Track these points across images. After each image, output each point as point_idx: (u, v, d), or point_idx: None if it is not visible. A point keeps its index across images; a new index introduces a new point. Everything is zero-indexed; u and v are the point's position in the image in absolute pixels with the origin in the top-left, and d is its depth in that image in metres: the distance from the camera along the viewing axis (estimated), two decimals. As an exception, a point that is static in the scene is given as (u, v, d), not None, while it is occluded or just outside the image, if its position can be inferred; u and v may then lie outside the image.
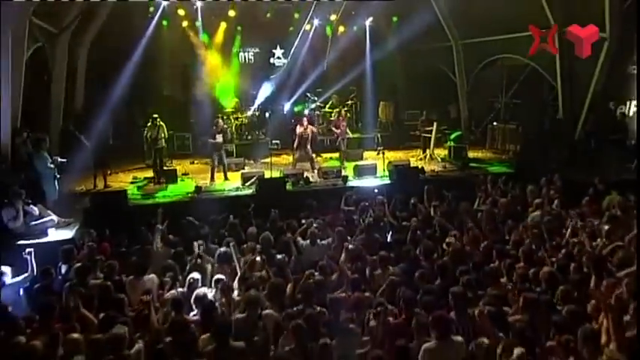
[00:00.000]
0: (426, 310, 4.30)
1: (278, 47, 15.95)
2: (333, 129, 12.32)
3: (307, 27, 14.85)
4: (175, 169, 10.83)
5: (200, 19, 13.53)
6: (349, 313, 4.52)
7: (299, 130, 10.92)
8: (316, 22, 14.56)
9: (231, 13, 13.49)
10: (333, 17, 14.48)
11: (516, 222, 7.11)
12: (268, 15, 14.11)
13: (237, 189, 9.86)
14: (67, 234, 7.19)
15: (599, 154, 10.73)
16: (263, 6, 13.74)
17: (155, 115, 11.19)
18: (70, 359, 3.93)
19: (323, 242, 6.58)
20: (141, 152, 12.64)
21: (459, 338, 3.92)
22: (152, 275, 5.64)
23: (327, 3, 13.54)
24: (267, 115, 14.43)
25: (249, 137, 13.51)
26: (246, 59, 16.05)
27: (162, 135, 11.04)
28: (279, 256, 5.80)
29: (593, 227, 6.66)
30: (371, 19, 14.58)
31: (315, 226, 6.80)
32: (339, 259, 5.85)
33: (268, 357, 4.05)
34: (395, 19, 14.84)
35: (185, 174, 11.18)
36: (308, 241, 6.54)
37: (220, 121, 11.23)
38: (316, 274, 5.32)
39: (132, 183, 10.63)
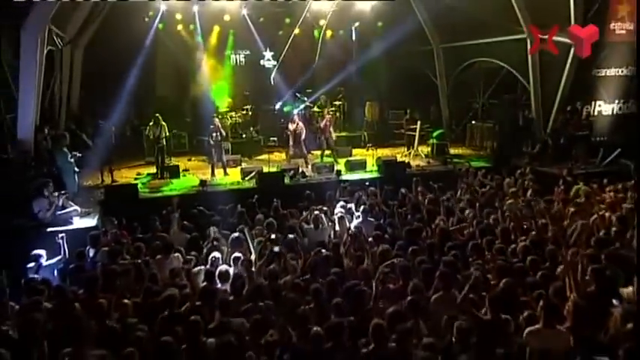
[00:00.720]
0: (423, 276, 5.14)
1: (268, 50, 16.62)
2: (319, 125, 13.05)
3: (297, 31, 15.64)
4: (178, 165, 11.47)
5: (197, 22, 14.12)
6: (356, 280, 5.31)
7: (292, 127, 11.68)
8: (305, 26, 15.36)
9: (227, 17, 14.12)
10: (322, 22, 15.26)
11: (494, 208, 8.04)
12: (261, 20, 14.78)
13: (239, 183, 10.57)
14: (89, 222, 7.79)
15: (567, 149, 11.79)
16: (257, 11, 14.41)
17: (157, 115, 11.79)
18: (124, 320, 4.60)
19: (325, 226, 7.36)
20: (140, 150, 13.22)
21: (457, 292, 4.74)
22: (177, 254, 6.35)
23: (317, 9, 14.32)
24: (259, 114, 15.15)
25: (244, 136, 14.18)
26: (237, 61, 16.71)
27: (164, 133, 11.65)
28: (290, 236, 6.54)
29: (562, 212, 7.66)
30: (357, 23, 15.41)
31: (317, 213, 7.55)
32: (343, 240, 6.64)
33: (290, 315, 4.79)
34: (380, 24, 15.69)
35: (185, 170, 11.81)
36: (312, 226, 7.31)
37: (217, 119, 11.88)
38: (323, 251, 6.10)
39: (136, 179, 11.20)
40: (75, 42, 12.57)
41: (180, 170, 11.50)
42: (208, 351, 4.06)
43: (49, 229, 7.12)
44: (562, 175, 9.85)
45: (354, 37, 15.72)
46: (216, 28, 15.07)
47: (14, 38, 7.35)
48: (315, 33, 16.25)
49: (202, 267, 5.95)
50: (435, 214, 7.74)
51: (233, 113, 14.69)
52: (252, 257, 6.20)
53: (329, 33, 16.11)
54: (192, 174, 11.54)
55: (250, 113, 14.98)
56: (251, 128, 14.38)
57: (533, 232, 6.59)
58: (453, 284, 4.96)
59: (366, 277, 5.32)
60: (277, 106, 15.60)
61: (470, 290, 4.66)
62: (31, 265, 6.24)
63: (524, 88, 13.31)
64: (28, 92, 7.61)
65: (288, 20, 15.18)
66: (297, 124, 11.68)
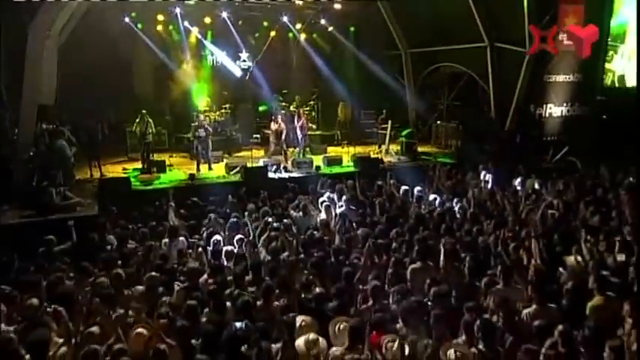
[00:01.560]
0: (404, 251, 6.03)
1: (244, 51, 17.22)
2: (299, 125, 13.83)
3: (272, 33, 16.35)
4: (164, 160, 11.94)
5: (177, 23, 14.56)
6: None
7: (274, 126, 12.39)
8: (282, 29, 16.09)
9: (207, 20, 14.66)
10: (298, 26, 16.02)
11: (460, 197, 9.06)
12: (240, 22, 15.38)
13: (224, 177, 11.20)
14: (91, 211, 8.26)
15: (522, 147, 13.05)
16: (236, 14, 15.01)
17: (144, 111, 12.22)
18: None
19: (312, 213, 8.15)
20: (121, 147, 13.57)
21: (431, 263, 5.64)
22: (182, 238, 6.98)
23: (294, 13, 15.08)
24: (237, 113, 15.74)
25: (223, 133, 14.74)
26: (215, 62, 17.22)
27: (150, 129, 12.10)
28: (285, 220, 7.29)
29: (518, 200, 8.77)
30: (331, 28, 16.27)
31: (305, 202, 8.33)
32: (330, 225, 7.45)
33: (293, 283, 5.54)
34: (352, 28, 16.61)
35: (170, 165, 12.29)
36: (300, 213, 8.08)
37: (202, 116, 12.45)
38: (315, 232, 6.90)
39: (123, 173, 11.60)
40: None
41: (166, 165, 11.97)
42: (229, 311, 4.77)
43: (56, 217, 7.55)
44: (518, 171, 11.05)
45: (327, 41, 16.55)
46: (195, 29, 15.51)
47: (16, 37, 7.68)
48: (290, 35, 16.99)
49: (208, 248, 6.62)
50: (409, 203, 8.71)
51: (211, 112, 15.19)
52: (250, 239, 6.92)
53: (303, 36, 16.86)
54: (177, 169, 12.04)
55: (229, 112, 15.52)
56: (229, 127, 14.94)
57: (496, 215, 7.63)
58: (428, 257, 5.86)
59: (355, 252, 6.16)
60: (254, 106, 16.27)
61: (444, 260, 5.59)
62: (43, 249, 6.74)
63: (484, 92, 14.51)
64: (32, 90, 7.98)
65: (265, 24, 15.84)
66: (280, 124, 12.39)
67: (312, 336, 4.04)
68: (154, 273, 5.43)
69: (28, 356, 3.85)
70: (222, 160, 12.81)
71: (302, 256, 6.16)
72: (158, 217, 8.19)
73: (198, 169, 11.71)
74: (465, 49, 14.28)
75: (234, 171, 11.29)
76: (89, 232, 7.25)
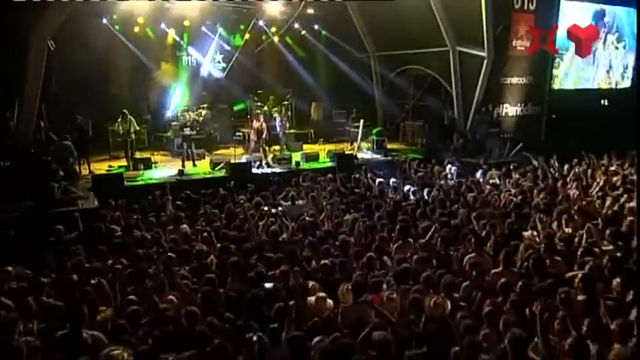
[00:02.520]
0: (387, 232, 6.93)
1: (218, 52, 17.76)
2: (277, 124, 14.57)
3: (247, 36, 17.01)
4: (150, 158, 12.42)
5: (157, 25, 14.97)
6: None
7: (256, 124, 13.08)
8: (257, 32, 16.78)
9: (186, 22, 15.15)
10: (273, 29, 16.74)
11: (430, 188, 10.09)
12: (218, 25, 15.94)
13: (210, 172, 11.80)
14: (92, 204, 8.73)
15: (483, 143, 14.30)
16: (214, 18, 15.57)
17: (124, 111, 12.63)
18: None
19: (300, 202, 8.94)
20: (100, 145, 13.86)
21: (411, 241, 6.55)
22: (185, 225, 7.61)
23: (269, 17, 15.79)
24: (213, 113, 16.27)
25: (203, 132, 15.25)
26: (189, 63, 17.66)
27: (133, 128, 12.53)
28: (280, 208, 8.05)
29: (481, 188, 9.89)
30: (304, 32, 17.09)
31: (292, 193, 9.12)
32: (317, 212, 8.28)
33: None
34: (324, 32, 17.48)
35: (154, 163, 12.74)
36: (289, 202, 8.85)
37: (187, 115, 12.97)
38: (307, 218, 7.70)
39: (108, 171, 11.99)
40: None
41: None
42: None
43: (56, 210, 8.02)
44: (479, 164, 12.25)
45: (300, 44, 17.35)
46: (172, 31, 15.93)
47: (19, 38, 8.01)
48: (264, 38, 17.67)
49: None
50: (385, 192, 9.66)
51: (190, 112, 15.64)
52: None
53: (276, 39, 17.59)
54: (164, 165, 12.53)
55: (206, 112, 16.02)
56: (208, 126, 15.46)
57: (463, 200, 8.68)
58: (409, 236, 6.78)
59: (344, 234, 7.01)
60: (230, 105, 16.87)
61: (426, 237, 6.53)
62: (53, 238, 7.23)
63: (447, 93, 15.70)
64: (33, 89, 8.35)
65: (242, 27, 16.47)
66: (262, 122, 13.09)
67: (321, 294, 4.86)
68: (169, 253, 6.08)
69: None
70: (205, 158, 13.37)
71: (299, 237, 6.94)
72: (156, 209, 8.76)
73: (183, 166, 12.24)
74: (430, 52, 15.42)
75: (219, 167, 11.92)
76: (93, 222, 7.78)
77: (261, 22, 16.10)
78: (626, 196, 8.39)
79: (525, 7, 14.85)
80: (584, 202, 8.02)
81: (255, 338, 3.63)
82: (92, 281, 5.07)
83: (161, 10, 14.75)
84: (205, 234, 7.16)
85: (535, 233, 6.81)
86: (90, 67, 14.26)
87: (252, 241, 6.78)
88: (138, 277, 5.32)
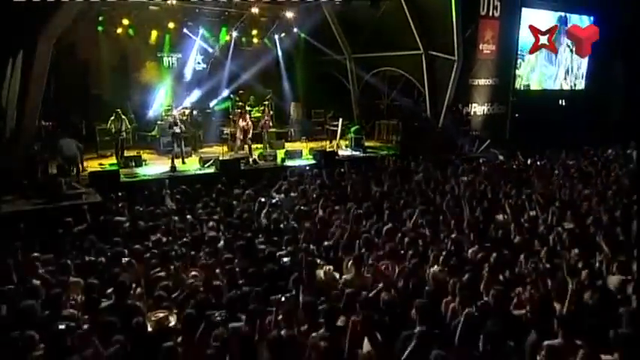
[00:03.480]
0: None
1: (198, 54, 18.19)
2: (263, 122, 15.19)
3: (228, 38, 17.54)
4: (141, 155, 12.80)
5: (141, 26, 15.30)
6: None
7: (242, 123, 13.66)
8: (235, 34, 17.34)
9: (171, 25, 15.55)
10: (254, 32, 17.33)
11: (409, 181, 10.97)
12: (201, 28, 16.41)
13: (201, 169, 12.33)
14: (95, 198, 9.15)
15: (454, 140, 15.35)
16: (198, 20, 16.04)
17: (118, 110, 12.98)
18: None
19: (292, 194, 9.63)
20: (92, 144, 14.11)
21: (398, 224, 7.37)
22: (189, 216, 8.18)
23: (251, 20, 16.39)
24: (196, 112, 16.71)
25: (187, 131, 15.65)
26: (170, 63, 18.02)
27: (125, 127, 12.89)
28: (277, 198, 8.73)
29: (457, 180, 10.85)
30: (283, 34, 17.76)
31: (286, 186, 9.81)
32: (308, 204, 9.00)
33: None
34: (302, 35, 18.19)
35: (144, 160, 13.12)
36: (282, 195, 9.53)
37: (176, 114, 13.43)
38: (302, 207, 8.41)
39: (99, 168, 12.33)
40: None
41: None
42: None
43: (63, 204, 8.46)
44: (451, 159, 13.25)
45: (279, 46, 18.02)
46: (154, 33, 16.27)
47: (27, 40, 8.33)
48: (243, 40, 18.21)
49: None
50: (370, 185, 10.48)
51: (174, 111, 16.02)
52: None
53: (255, 40, 18.17)
54: (153, 163, 12.95)
55: (189, 111, 16.44)
56: (192, 126, 15.89)
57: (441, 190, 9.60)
58: (397, 220, 7.61)
59: (337, 221, 7.77)
60: (212, 105, 17.34)
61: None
62: (62, 230, 7.68)
63: (420, 93, 16.71)
64: (38, 92, 8.70)
65: (224, 29, 16.99)
66: (248, 121, 13.69)
67: (327, 268, 5.60)
68: (185, 239, 6.68)
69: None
70: (191, 155, 13.85)
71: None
72: (155, 202, 9.27)
73: (173, 163, 12.68)
74: (403, 55, 16.39)
75: (209, 164, 12.45)
76: (99, 215, 8.25)
77: (242, 25, 16.63)
78: (581, 184, 9.52)
79: (490, 13, 16.06)
80: (546, 190, 9.05)
81: (283, 299, 4.31)
82: (123, 261, 5.62)
83: (145, 12, 15.09)
84: (212, 222, 7.77)
85: (505, 216, 7.75)
86: (72, 67, 14.50)
87: (254, 228, 7.44)
88: (162, 259, 5.92)
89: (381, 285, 4.97)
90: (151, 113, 16.27)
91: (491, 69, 16.64)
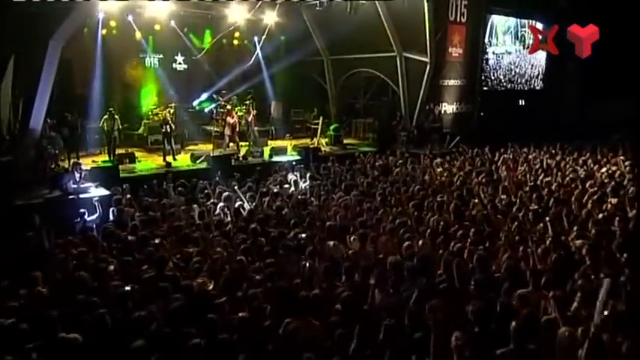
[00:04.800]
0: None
1: (179, 54, 18.66)
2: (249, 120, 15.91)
3: (211, 39, 18.14)
4: (133, 153, 13.30)
5: (126, 27, 15.71)
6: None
7: (230, 120, 14.36)
8: (218, 36, 17.95)
9: (157, 27, 16.02)
10: (237, 34, 17.99)
11: (386, 175, 11.97)
12: (185, 29, 16.95)
13: (194, 164, 12.95)
14: (103, 192, 9.68)
15: (427, 137, 16.49)
16: (181, 23, 16.57)
17: (111, 109, 13.41)
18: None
19: (286, 186, 10.45)
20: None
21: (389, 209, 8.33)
22: (195, 205, 8.88)
23: (232, 22, 17.02)
24: (180, 111, 17.24)
25: (171, 129, 16.17)
26: (152, 63, 18.43)
27: (117, 126, 13.34)
28: (277, 189, 9.53)
29: (431, 173, 11.93)
30: (264, 37, 18.47)
31: (280, 178, 10.62)
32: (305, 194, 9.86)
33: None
34: (282, 37, 18.98)
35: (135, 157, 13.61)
36: (278, 186, 10.34)
37: (167, 113, 13.97)
38: (300, 197, 9.26)
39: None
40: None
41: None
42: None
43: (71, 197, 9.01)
44: (425, 154, 14.37)
45: (260, 47, 18.75)
46: (138, 34, 16.67)
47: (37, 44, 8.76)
48: (224, 42, 18.82)
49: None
50: (355, 177, 11.43)
51: (159, 110, 16.50)
52: (246, 205, 9.07)
53: (236, 42, 18.82)
54: (145, 160, 13.46)
55: (173, 110, 16.94)
56: (177, 124, 16.40)
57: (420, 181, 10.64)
58: (386, 206, 8.56)
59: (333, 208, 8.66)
60: (195, 104, 17.93)
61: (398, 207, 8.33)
62: (78, 220, 8.24)
63: (395, 93, 17.80)
64: (45, 91, 9.15)
65: (208, 31, 17.59)
66: (235, 119, 14.39)
67: (333, 243, 6.48)
68: (199, 223, 7.41)
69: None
70: (180, 152, 14.42)
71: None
72: (159, 195, 9.89)
73: (164, 160, 13.26)
74: (379, 57, 17.44)
75: (200, 160, 13.10)
76: (109, 206, 8.84)
77: (226, 27, 17.28)
78: (543, 174, 10.79)
79: (458, 19, 17.32)
80: (514, 178, 10.24)
81: (307, 264, 5.16)
82: (155, 242, 6.32)
83: (131, 13, 15.51)
84: (218, 210, 8.50)
85: (479, 201, 8.83)
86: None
87: (260, 214, 8.24)
88: (183, 241, 6.65)
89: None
90: (136, 112, 16.73)
91: (459, 70, 17.93)
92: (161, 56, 18.35)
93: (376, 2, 15.64)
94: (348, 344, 4.01)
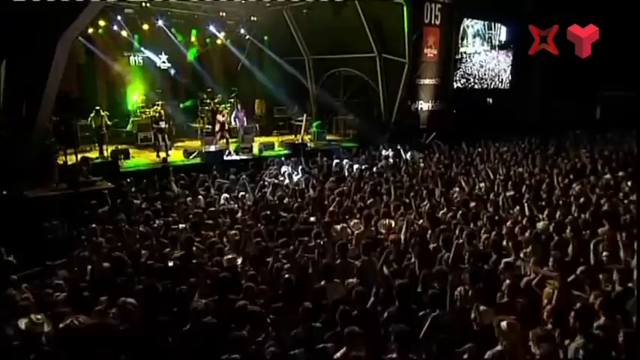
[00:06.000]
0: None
1: (163, 53, 18.98)
2: (237, 119, 16.49)
3: (193, 39, 18.58)
4: (128, 149, 13.68)
5: (113, 26, 16.00)
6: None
7: (221, 118, 14.91)
8: (207, 36, 18.43)
9: (145, 26, 16.36)
10: (222, 34, 18.48)
11: (371, 168, 12.83)
12: (173, 30, 17.34)
13: (188, 159, 13.46)
14: (109, 185, 10.13)
15: (405, 132, 17.46)
16: (169, 22, 16.95)
17: (98, 107, 13.73)
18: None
19: (281, 178, 11.15)
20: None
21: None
22: (200, 197, 9.48)
23: (219, 23, 17.55)
24: (167, 109, 17.60)
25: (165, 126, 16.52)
26: (136, 62, 18.69)
27: (105, 123, 13.67)
28: (276, 181, 10.23)
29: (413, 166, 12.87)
30: (247, 36, 19.06)
31: (276, 171, 11.31)
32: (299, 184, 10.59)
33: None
34: (266, 37, 19.58)
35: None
36: (273, 179, 11.03)
37: (162, 111, 14.40)
38: (296, 187, 9.99)
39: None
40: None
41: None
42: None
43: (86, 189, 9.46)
44: (405, 148, 15.34)
45: (245, 47, 19.32)
46: (124, 33, 16.95)
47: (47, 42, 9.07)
48: (208, 41, 19.28)
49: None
50: (343, 170, 12.25)
51: (147, 108, 16.86)
52: (248, 195, 9.73)
53: (219, 42, 19.30)
54: (138, 156, 13.86)
55: (161, 108, 17.30)
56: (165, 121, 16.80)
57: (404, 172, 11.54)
58: (377, 194, 9.41)
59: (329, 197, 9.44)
60: (179, 102, 18.35)
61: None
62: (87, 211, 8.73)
63: (374, 91, 18.70)
64: (52, 90, 9.50)
65: (194, 31, 18.03)
66: (225, 116, 14.94)
67: (341, 225, 7.26)
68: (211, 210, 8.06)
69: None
70: (171, 149, 14.85)
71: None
72: (161, 188, 10.42)
73: (158, 155, 13.71)
74: (359, 57, 18.29)
75: (193, 155, 13.62)
76: (116, 199, 9.34)
77: (211, 27, 17.76)
78: (516, 165, 11.90)
79: (432, 22, 18.35)
80: (490, 169, 11.26)
81: (322, 242, 5.92)
82: (179, 226, 6.95)
83: (122, 15, 15.83)
84: (223, 200, 9.14)
85: (460, 188, 9.80)
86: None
87: (264, 202, 8.94)
88: (198, 226, 7.31)
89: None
90: (121, 110, 17.01)
91: (434, 70, 18.99)
92: (146, 55, 18.67)
93: (357, 6, 16.46)
94: (366, 301, 4.84)
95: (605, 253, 5.81)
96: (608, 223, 6.73)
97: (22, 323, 4.39)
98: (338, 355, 3.88)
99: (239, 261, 5.98)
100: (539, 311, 4.78)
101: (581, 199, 8.16)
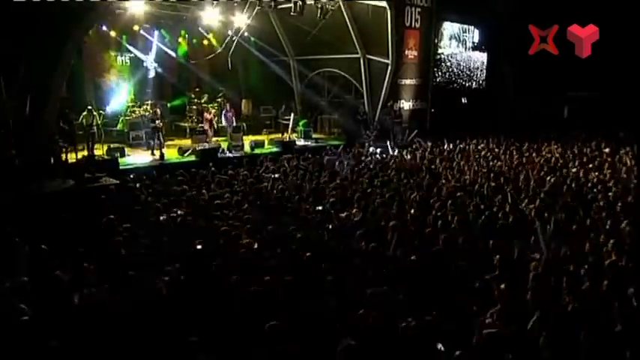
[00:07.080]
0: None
1: (152, 53, 19.24)
2: (225, 118, 16.93)
3: (181, 40, 18.94)
4: (123, 147, 13.99)
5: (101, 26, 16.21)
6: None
7: (208, 117, 15.37)
8: (196, 36, 18.79)
9: (135, 27, 16.62)
10: (210, 35, 18.87)
11: (358, 163, 13.53)
12: (163, 30, 17.65)
13: (182, 157, 13.86)
14: (113, 181, 10.50)
15: (389, 130, 18.25)
16: (157, 23, 17.26)
17: (89, 106, 13.98)
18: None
19: (276, 175, 11.72)
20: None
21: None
22: (204, 191, 9.97)
23: (206, 24, 17.92)
24: (156, 108, 17.88)
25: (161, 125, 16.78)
26: (123, 62, 18.88)
27: (96, 121, 13.92)
28: (274, 176, 10.81)
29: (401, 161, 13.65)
30: (235, 37, 19.46)
31: (272, 167, 11.89)
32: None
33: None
34: (252, 39, 20.05)
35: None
36: (270, 174, 11.59)
37: (157, 110, 14.74)
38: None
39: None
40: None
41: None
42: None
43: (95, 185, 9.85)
44: (390, 145, 16.13)
45: (232, 48, 19.73)
46: (112, 33, 17.16)
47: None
48: (194, 41, 19.63)
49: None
50: (334, 166, 12.92)
51: (136, 107, 17.13)
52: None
53: (206, 42, 19.68)
54: (133, 154, 14.19)
55: (150, 107, 17.59)
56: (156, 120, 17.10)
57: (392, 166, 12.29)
58: (372, 186, 10.11)
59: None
60: (166, 102, 18.67)
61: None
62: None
63: (358, 91, 19.42)
64: (57, 90, 9.83)
65: (183, 32, 18.38)
66: (213, 115, 15.42)
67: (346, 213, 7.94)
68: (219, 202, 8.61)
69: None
70: (164, 147, 15.21)
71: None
72: (164, 183, 10.85)
73: (152, 153, 14.06)
74: (344, 58, 18.99)
75: (188, 153, 14.05)
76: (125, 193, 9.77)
77: (200, 29, 18.14)
78: (495, 160, 12.82)
79: (412, 25, 19.20)
80: (472, 163, 12.14)
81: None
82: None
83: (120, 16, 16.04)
84: (227, 194, 9.67)
85: (446, 180, 10.60)
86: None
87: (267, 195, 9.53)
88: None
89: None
90: (110, 109, 17.22)
91: (415, 71, 19.85)
92: (134, 55, 18.88)
93: (342, 9, 17.14)
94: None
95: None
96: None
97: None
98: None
99: (256, 244, 6.56)
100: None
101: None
